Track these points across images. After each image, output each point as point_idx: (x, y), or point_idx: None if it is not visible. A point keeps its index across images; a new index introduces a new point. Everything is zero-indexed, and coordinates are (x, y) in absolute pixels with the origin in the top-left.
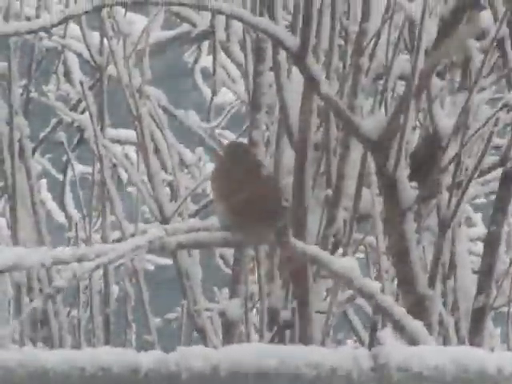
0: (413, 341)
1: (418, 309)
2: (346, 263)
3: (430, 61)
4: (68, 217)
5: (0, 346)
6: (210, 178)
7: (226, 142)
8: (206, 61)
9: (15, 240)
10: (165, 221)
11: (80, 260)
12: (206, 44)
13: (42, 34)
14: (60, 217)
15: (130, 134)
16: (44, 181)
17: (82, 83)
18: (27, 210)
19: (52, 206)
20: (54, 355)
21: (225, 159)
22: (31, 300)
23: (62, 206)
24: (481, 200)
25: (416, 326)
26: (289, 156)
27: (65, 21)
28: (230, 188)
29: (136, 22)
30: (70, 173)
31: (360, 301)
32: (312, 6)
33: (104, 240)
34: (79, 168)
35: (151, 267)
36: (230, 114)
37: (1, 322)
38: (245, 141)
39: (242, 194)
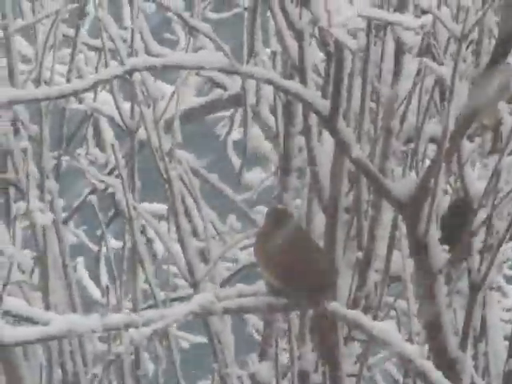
0: None
1: (450, 372)
2: (386, 327)
3: (461, 124)
4: (102, 291)
5: None
6: (255, 243)
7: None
8: (239, 132)
9: (46, 303)
10: (195, 284)
11: (129, 326)
12: (238, 116)
13: (74, 99)
14: (95, 292)
15: (164, 208)
16: (81, 259)
17: (113, 146)
18: (58, 273)
19: (89, 283)
20: None
21: (269, 224)
22: (62, 363)
23: (97, 280)
24: None
25: None
26: (320, 219)
27: (95, 86)
28: (276, 255)
29: (167, 91)
30: (104, 247)
31: (388, 365)
32: (343, 69)
33: (134, 307)
34: (114, 244)
35: (186, 345)
36: (262, 187)
37: None
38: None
39: (289, 259)
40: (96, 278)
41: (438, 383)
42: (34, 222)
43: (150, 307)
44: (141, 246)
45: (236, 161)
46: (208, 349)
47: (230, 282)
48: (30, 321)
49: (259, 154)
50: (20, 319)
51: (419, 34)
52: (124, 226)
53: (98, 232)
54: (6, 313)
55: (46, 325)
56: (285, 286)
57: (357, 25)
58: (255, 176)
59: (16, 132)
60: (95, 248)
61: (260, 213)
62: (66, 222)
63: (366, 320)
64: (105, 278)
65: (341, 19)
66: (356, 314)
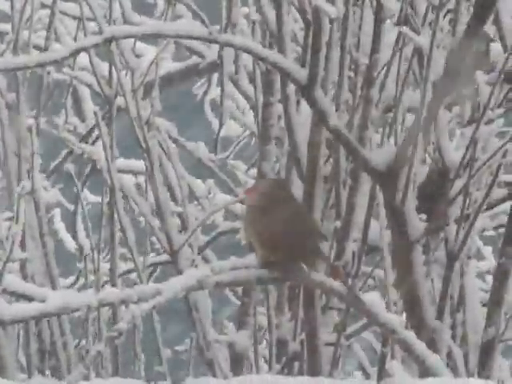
0: (432, 375)
1: (427, 341)
2: (370, 298)
3: (439, 93)
4: (80, 247)
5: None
6: (245, 214)
7: (239, 173)
8: (215, 93)
9: (23, 272)
10: (173, 253)
11: (124, 301)
12: (215, 76)
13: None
14: (72, 246)
15: (140, 164)
16: (58, 210)
17: (95, 113)
18: (36, 242)
19: (65, 235)
20: None
21: (263, 196)
22: (39, 331)
23: (75, 236)
24: (490, 233)
25: (436, 360)
26: (298, 188)
27: (75, 54)
28: (270, 225)
29: (146, 53)
30: (80, 203)
31: (366, 334)
32: (321, 38)
33: (113, 271)
34: (91, 198)
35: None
36: (238, 146)
37: (10, 354)
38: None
39: (284, 230)
40: (72, 233)
41: (422, 354)
42: (39, 200)
43: (129, 272)
44: (123, 217)
45: (213, 120)
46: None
47: (207, 248)
48: (25, 298)
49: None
50: (17, 296)
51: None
52: (101, 181)
53: (75, 189)
54: (4, 290)
55: (42, 301)
56: (276, 259)
57: None
58: (232, 131)
59: None
60: (71, 207)
61: (237, 168)
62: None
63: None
64: (82, 235)
65: None
66: (342, 285)
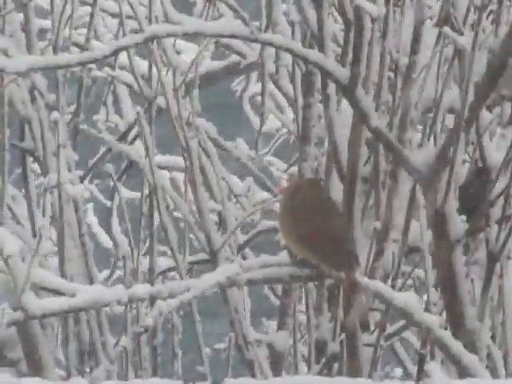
0: (469, 375)
1: (467, 342)
2: (407, 297)
3: (480, 94)
4: (115, 243)
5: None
6: (279, 212)
7: (279, 173)
8: (255, 89)
9: (62, 272)
10: (212, 253)
11: (154, 297)
12: (254, 73)
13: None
14: (105, 242)
15: (177, 160)
16: (91, 205)
17: (138, 113)
18: (75, 242)
19: (98, 230)
20: None
21: (298, 194)
22: (78, 331)
23: (109, 232)
24: None
25: (472, 360)
26: (338, 189)
27: (116, 53)
28: (304, 224)
29: (185, 50)
30: (116, 199)
31: (407, 334)
32: (362, 37)
33: (151, 273)
34: (126, 194)
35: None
36: (277, 143)
37: (48, 354)
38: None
39: (318, 230)
40: (107, 229)
41: (458, 354)
42: (65, 193)
43: (169, 270)
44: (164, 215)
45: (252, 116)
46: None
47: (245, 247)
48: (56, 292)
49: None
50: (47, 291)
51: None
52: (138, 177)
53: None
54: (34, 285)
55: (73, 296)
56: (309, 257)
57: None
58: (272, 125)
59: (33, 100)
60: (107, 202)
61: (274, 165)
62: (81, 180)
63: (386, 290)
64: (117, 230)
65: None
66: (378, 284)
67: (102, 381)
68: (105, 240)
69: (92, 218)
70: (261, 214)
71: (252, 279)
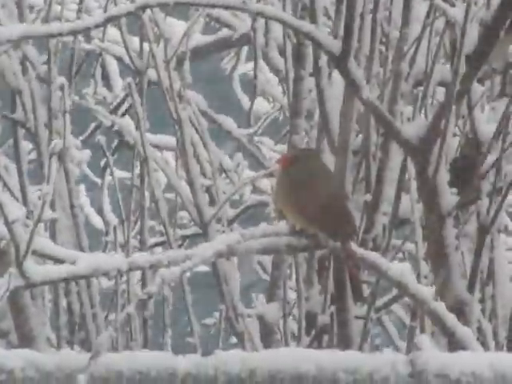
0: (461, 348)
1: (457, 314)
2: (401, 269)
3: (471, 67)
4: (105, 222)
5: (97, 353)
6: (276, 182)
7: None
8: (244, 68)
9: (53, 243)
10: (203, 226)
11: (155, 266)
12: (244, 51)
13: (81, 37)
14: (97, 222)
15: (168, 139)
16: (82, 186)
17: (129, 85)
18: (66, 213)
19: (90, 211)
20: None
21: (295, 165)
22: (69, 303)
23: (100, 210)
24: None
25: (466, 332)
26: (329, 161)
27: (107, 22)
28: (302, 193)
29: (176, 26)
30: (108, 177)
31: (395, 307)
32: (354, 11)
33: (142, 244)
34: (117, 173)
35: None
36: (267, 121)
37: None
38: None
39: (317, 200)
40: (98, 207)
41: (452, 326)
42: (72, 159)
43: (159, 244)
44: (156, 186)
45: (241, 95)
46: (210, 287)
47: (235, 221)
48: (55, 260)
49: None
50: (47, 258)
51: None
52: (129, 156)
53: (102, 163)
54: (34, 251)
55: (72, 264)
56: (307, 226)
57: None
58: (260, 107)
59: (24, 72)
60: (98, 180)
61: (265, 144)
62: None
63: (381, 260)
64: (108, 209)
65: None
66: (372, 254)
67: (106, 349)
68: (97, 221)
69: (84, 199)
70: (251, 189)
71: (250, 248)
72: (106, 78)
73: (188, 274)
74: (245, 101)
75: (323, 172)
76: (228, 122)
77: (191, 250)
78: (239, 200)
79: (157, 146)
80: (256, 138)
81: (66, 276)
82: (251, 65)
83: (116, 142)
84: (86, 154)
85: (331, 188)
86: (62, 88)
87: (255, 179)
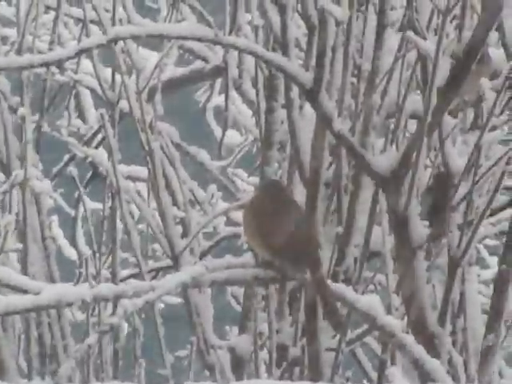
0: (431, 380)
1: (428, 347)
2: (370, 301)
3: (443, 99)
4: (79, 253)
5: None
6: (243, 214)
7: (243, 183)
8: (218, 100)
9: (25, 274)
10: (175, 258)
11: (119, 297)
12: (218, 83)
13: (55, 69)
14: (71, 253)
15: (140, 170)
16: (55, 217)
17: (102, 116)
18: (38, 245)
19: (63, 242)
20: None
21: (260, 196)
22: (40, 334)
23: (74, 242)
24: (495, 242)
25: (435, 365)
26: (300, 193)
27: (79, 54)
28: (267, 225)
29: (149, 58)
30: (81, 209)
31: (368, 339)
32: (326, 41)
33: (113, 276)
34: (91, 205)
35: (161, 305)
36: (240, 153)
37: (10, 357)
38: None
39: (281, 231)
40: (71, 239)
41: (420, 358)
42: (32, 189)
43: (131, 277)
44: (128, 218)
45: (215, 127)
46: (183, 320)
47: (209, 253)
48: (19, 290)
49: (239, 126)
50: (11, 288)
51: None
52: (102, 187)
53: (76, 194)
54: None
55: (37, 294)
56: (272, 258)
57: None
58: (233, 140)
59: None
60: (72, 212)
61: (238, 176)
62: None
63: (350, 293)
64: (81, 241)
65: None
66: (340, 287)
67: (66, 380)
68: (70, 253)
69: (57, 230)
70: (225, 222)
71: (216, 280)
72: (80, 109)
73: (162, 305)
74: (218, 133)
75: (287, 203)
76: (201, 154)
77: (156, 282)
78: (214, 232)
79: (129, 177)
80: (230, 170)
81: (29, 307)
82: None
83: (90, 173)
84: (47, 184)
85: (295, 219)
86: (23, 119)
87: (228, 211)
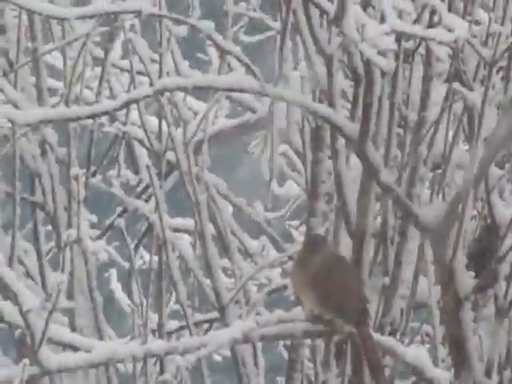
0: None
1: None
2: (418, 353)
3: (489, 150)
4: (134, 305)
5: None
6: (293, 268)
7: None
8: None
9: (72, 327)
10: (221, 309)
11: (169, 353)
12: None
13: (103, 120)
14: (127, 306)
15: (186, 222)
16: (114, 270)
17: (148, 168)
18: (85, 296)
19: (121, 295)
20: None
21: (306, 250)
22: None
23: (130, 295)
24: None
25: None
26: (346, 244)
27: (127, 105)
28: (314, 279)
29: (198, 109)
30: (137, 261)
31: None
32: (372, 92)
33: (160, 327)
34: (147, 257)
35: (218, 358)
36: (295, 205)
37: None
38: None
39: (329, 284)
40: (130, 292)
41: None
42: (85, 249)
43: (181, 328)
44: (174, 269)
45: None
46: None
47: (259, 305)
48: (71, 347)
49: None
50: (63, 346)
51: (448, 60)
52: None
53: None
54: (49, 339)
55: (88, 351)
56: (322, 312)
57: (387, 46)
58: (288, 190)
59: (44, 154)
60: (126, 265)
61: (293, 227)
62: (98, 238)
63: (397, 345)
64: (136, 295)
65: (372, 34)
66: (388, 339)
67: None
68: (126, 304)
69: (115, 284)
70: (280, 274)
71: (266, 335)
72: (133, 160)
73: (219, 358)
74: (274, 184)
75: (337, 257)
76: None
77: (206, 337)
78: (268, 284)
79: (176, 230)
80: (288, 222)
81: (81, 364)
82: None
83: (144, 226)
84: (100, 243)
85: (346, 273)
86: (75, 178)
87: (275, 261)
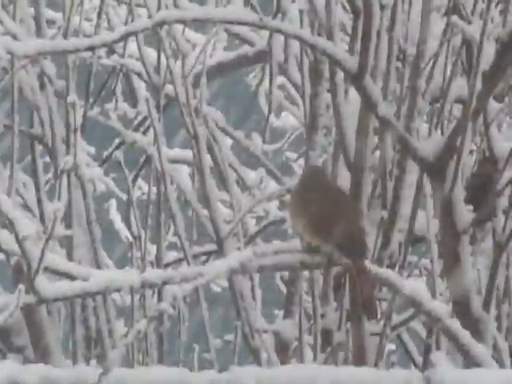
0: (476, 365)
1: (473, 332)
2: (416, 286)
3: (488, 83)
4: (132, 236)
5: (107, 369)
6: (290, 199)
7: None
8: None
9: (70, 259)
10: (219, 241)
11: (166, 283)
12: (267, 67)
13: (100, 52)
14: (126, 236)
15: (185, 153)
16: (113, 201)
17: (147, 100)
18: (83, 229)
19: (120, 226)
20: None
21: (304, 183)
22: (85, 318)
23: (129, 226)
24: None
25: (480, 350)
26: (345, 177)
27: (125, 37)
28: (312, 211)
29: (196, 41)
30: (136, 192)
31: (414, 324)
32: (371, 26)
33: (159, 260)
34: (146, 188)
35: (217, 289)
36: (292, 137)
37: (55, 340)
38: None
39: (327, 217)
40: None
41: (466, 343)
42: (82, 176)
43: (179, 260)
44: (173, 201)
45: (266, 111)
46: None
47: (257, 237)
48: (68, 276)
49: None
50: (59, 275)
51: None
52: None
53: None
54: (46, 268)
55: (85, 280)
56: (320, 243)
57: None
58: (285, 122)
59: (42, 87)
60: (124, 196)
61: (290, 159)
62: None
63: (395, 278)
64: (135, 227)
65: None
66: (386, 272)
67: (116, 365)
68: (127, 235)
69: (114, 215)
70: (277, 206)
71: (263, 266)
72: (130, 92)
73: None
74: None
75: (335, 189)
76: (252, 140)
77: (203, 267)
78: (265, 216)
79: (174, 161)
80: (285, 154)
81: (78, 293)
82: (277, 80)
83: (143, 158)
84: (97, 170)
85: (344, 205)
86: (72, 106)
87: (273, 194)
